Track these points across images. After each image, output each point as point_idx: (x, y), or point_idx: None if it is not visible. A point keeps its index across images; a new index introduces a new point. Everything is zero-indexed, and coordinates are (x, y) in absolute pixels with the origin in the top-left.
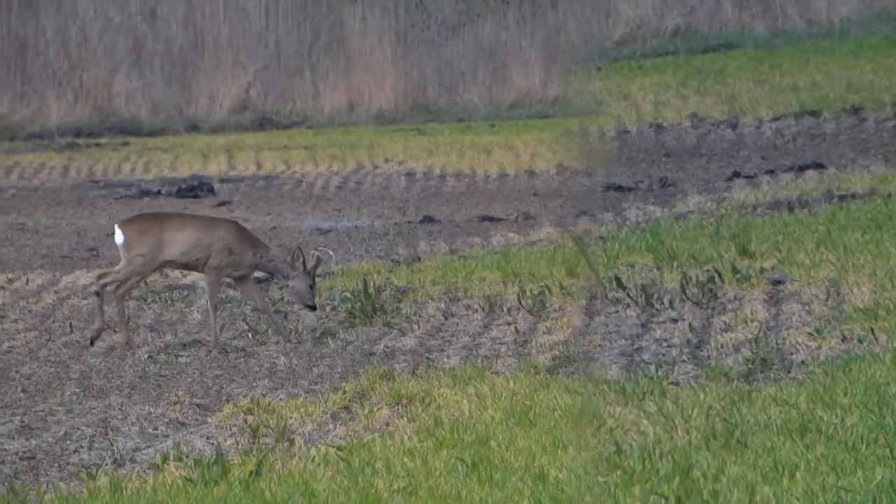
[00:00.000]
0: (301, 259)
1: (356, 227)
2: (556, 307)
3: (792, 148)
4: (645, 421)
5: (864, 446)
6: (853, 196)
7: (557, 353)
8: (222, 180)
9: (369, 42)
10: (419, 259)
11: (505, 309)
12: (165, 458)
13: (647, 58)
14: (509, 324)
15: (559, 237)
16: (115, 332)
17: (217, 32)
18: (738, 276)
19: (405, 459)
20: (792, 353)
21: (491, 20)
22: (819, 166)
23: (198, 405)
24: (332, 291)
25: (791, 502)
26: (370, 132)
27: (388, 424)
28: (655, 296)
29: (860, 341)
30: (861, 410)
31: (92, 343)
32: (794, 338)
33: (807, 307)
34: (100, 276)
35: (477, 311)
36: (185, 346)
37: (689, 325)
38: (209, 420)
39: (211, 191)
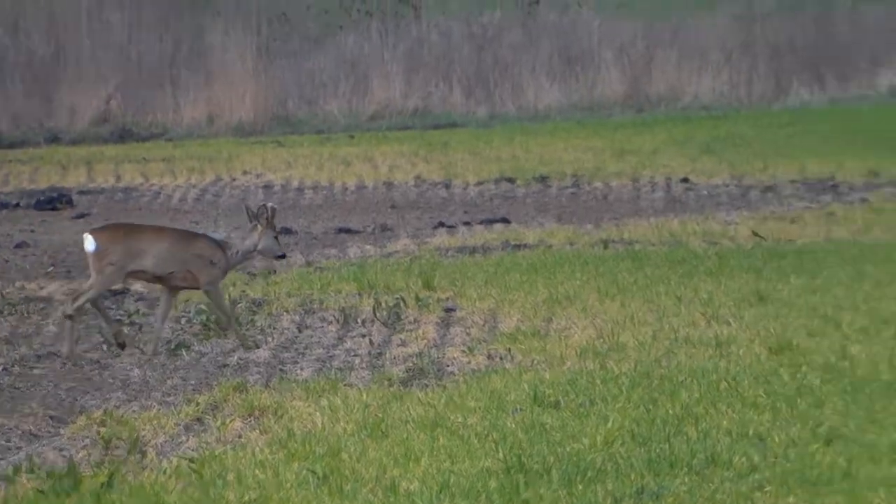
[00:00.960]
0: (264, 214)
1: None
2: (412, 319)
3: (489, 206)
4: (317, 413)
5: (477, 441)
6: (525, 246)
7: (411, 364)
8: (81, 192)
9: (230, 55)
10: (275, 271)
11: (360, 321)
12: (17, 470)
13: (391, 130)
14: (364, 336)
15: (416, 249)
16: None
17: (78, 45)
18: (420, 303)
19: (257, 471)
20: (447, 366)
21: (353, 33)
22: (505, 221)
23: (51, 417)
24: (188, 304)
25: (411, 481)
26: (229, 144)
27: (240, 436)
28: (352, 316)
29: (501, 358)
30: (483, 412)
31: (122, 347)
32: (451, 353)
33: (467, 330)
34: (75, 298)
35: (332, 323)
36: (39, 358)
37: (370, 340)
38: (62, 432)
39: (70, 203)
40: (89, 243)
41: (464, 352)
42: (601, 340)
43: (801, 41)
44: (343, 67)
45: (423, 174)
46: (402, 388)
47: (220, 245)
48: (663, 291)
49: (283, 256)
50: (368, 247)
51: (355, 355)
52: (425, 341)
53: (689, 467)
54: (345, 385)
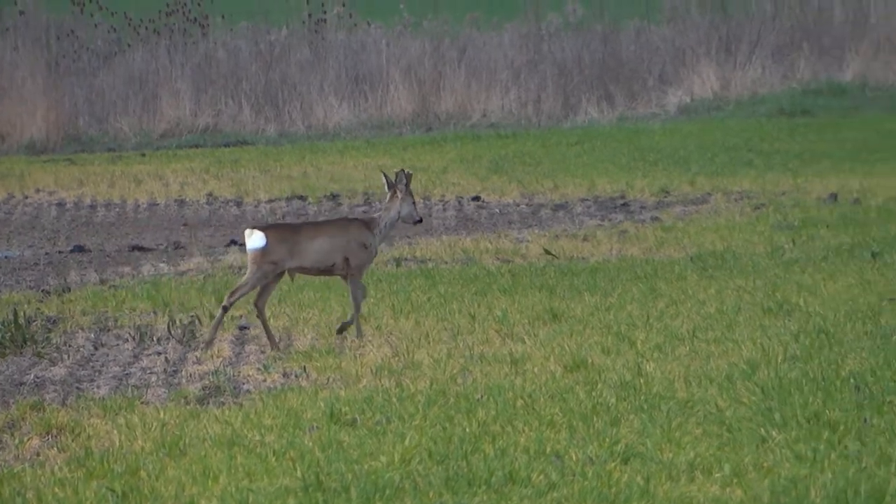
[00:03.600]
0: (402, 181)
1: (6, 257)
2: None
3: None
4: (115, 431)
5: (275, 459)
6: None
7: (207, 382)
8: None
9: (21, 72)
10: (69, 289)
11: (155, 339)
12: None
13: (182, 148)
14: (159, 354)
15: (209, 267)
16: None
17: None
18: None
19: (55, 489)
20: (243, 384)
21: (142, 50)
22: None
23: None
24: None
25: (210, 499)
26: (21, 162)
27: (38, 454)
28: (147, 334)
29: (296, 376)
30: (279, 430)
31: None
32: (247, 371)
33: (262, 348)
34: (231, 293)
35: (127, 340)
36: None
37: (166, 358)
38: None
39: None
40: (258, 239)
41: (259, 370)
42: (396, 358)
43: (590, 60)
44: (132, 85)
45: (215, 191)
46: (198, 406)
47: (369, 225)
48: (457, 309)
49: (420, 221)
50: (162, 264)
51: (151, 373)
52: (220, 359)
53: (488, 485)
54: (142, 403)
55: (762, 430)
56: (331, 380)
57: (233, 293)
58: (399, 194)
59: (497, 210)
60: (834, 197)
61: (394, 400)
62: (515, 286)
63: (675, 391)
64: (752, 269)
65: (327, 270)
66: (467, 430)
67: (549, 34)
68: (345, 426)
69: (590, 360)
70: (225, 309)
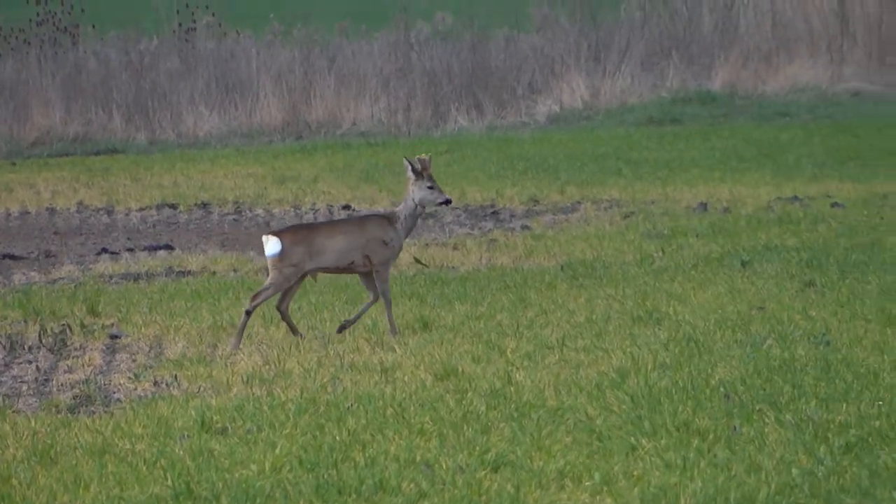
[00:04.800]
0: (412, 167)
1: None
2: (77, 346)
3: (152, 232)
4: None
5: (146, 467)
6: (189, 272)
7: (78, 391)
8: None
9: None
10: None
11: (26, 347)
12: None
13: (52, 157)
14: (30, 362)
15: (80, 275)
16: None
17: None
18: (85, 329)
19: None
20: (114, 392)
21: (12, 59)
22: (169, 248)
23: None
24: None
25: None
26: None
27: None
28: (18, 342)
29: (167, 385)
30: (150, 439)
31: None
32: (118, 380)
33: (133, 357)
34: (254, 297)
35: None
36: None
37: (37, 366)
38: None
39: None
40: (273, 246)
41: (130, 378)
42: (267, 367)
43: (459, 69)
44: (2, 95)
45: (86, 200)
46: (69, 414)
47: (390, 220)
48: (328, 318)
49: (446, 202)
50: (33, 273)
51: (22, 382)
52: (91, 368)
53: (358, 493)
54: (13, 412)
55: (632, 438)
56: (202, 388)
57: (255, 296)
58: (411, 180)
59: None
60: (703, 206)
61: (264, 408)
62: None
63: (545, 400)
64: (621, 278)
65: (348, 269)
66: (338, 438)
67: (418, 43)
68: (216, 435)
69: (460, 369)
70: (248, 313)
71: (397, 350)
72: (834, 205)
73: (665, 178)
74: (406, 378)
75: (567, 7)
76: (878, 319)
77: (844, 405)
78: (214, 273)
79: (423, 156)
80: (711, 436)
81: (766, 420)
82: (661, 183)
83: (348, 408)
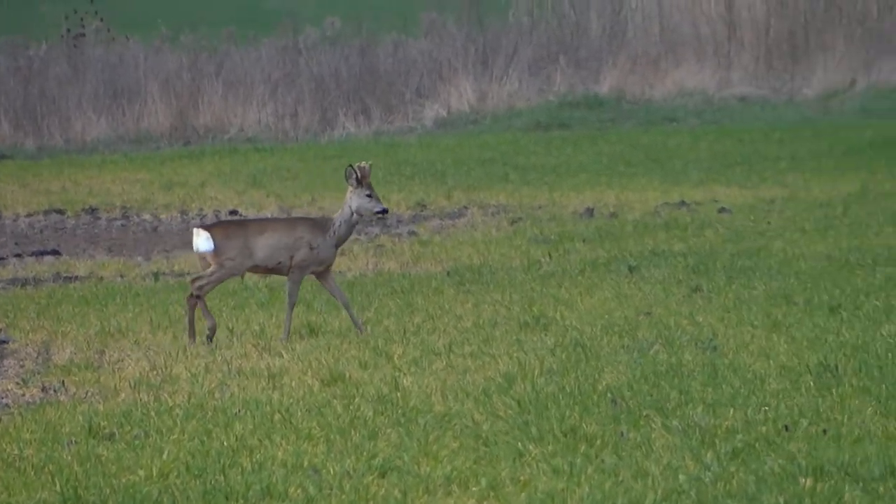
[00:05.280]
0: (354, 175)
1: None
2: None
3: (39, 238)
4: None
5: (34, 473)
6: (76, 278)
7: None
8: None
9: None
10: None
11: None
12: None
13: None
14: None
15: None
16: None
17: None
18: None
19: None
20: (1, 398)
21: None
22: (56, 253)
23: None
24: None
25: None
26: None
27: None
28: None
29: (55, 391)
30: (38, 444)
31: (209, 340)
32: (5, 386)
33: (21, 362)
34: (194, 280)
35: None
36: None
37: None
38: None
39: None
40: (205, 241)
41: (18, 384)
42: (154, 372)
43: (347, 74)
44: None
45: None
46: None
47: (321, 226)
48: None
49: (383, 212)
50: None
51: None
52: None
53: (245, 499)
54: None
55: (519, 443)
56: (89, 394)
57: (195, 279)
58: (350, 188)
59: None
60: (590, 211)
61: (152, 414)
62: (273, 300)
63: (432, 405)
64: (508, 284)
65: (276, 269)
66: (225, 444)
67: (306, 48)
68: (103, 440)
69: (347, 374)
70: (196, 297)
71: (284, 355)
72: (721, 210)
73: (552, 184)
74: (293, 383)
75: (455, 12)
76: (764, 325)
77: (731, 411)
78: (102, 278)
79: (364, 164)
80: (598, 441)
81: (653, 425)
82: (549, 188)
83: (236, 413)
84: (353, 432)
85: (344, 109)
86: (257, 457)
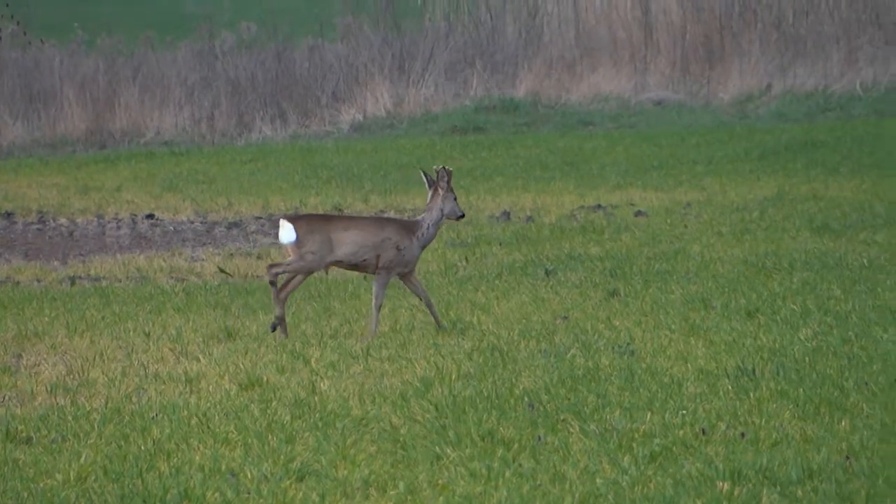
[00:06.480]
0: (444, 179)
1: None
2: None
3: None
4: None
5: None
6: None
7: None
8: None
9: None
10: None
11: None
12: None
13: None
14: None
15: None
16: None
17: None
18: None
19: None
20: None
21: None
22: None
23: None
24: None
25: None
26: None
27: None
28: None
29: None
30: None
31: (273, 329)
32: None
33: None
34: (270, 267)
35: None
36: None
37: None
38: None
39: None
40: (288, 233)
41: None
42: (71, 377)
43: (263, 78)
44: None
45: None
46: None
47: (409, 228)
48: (132, 328)
49: (463, 216)
50: None
51: None
52: None
53: (163, 503)
54: None
55: (437, 447)
56: (6, 398)
57: (273, 266)
58: (441, 192)
59: (171, 228)
60: (507, 214)
61: (69, 418)
62: (190, 305)
63: (349, 409)
64: (425, 288)
65: (361, 266)
66: (142, 448)
67: (222, 52)
68: (20, 444)
69: (265, 379)
70: (272, 284)
71: (202, 360)
72: (637, 213)
73: (468, 187)
74: (211, 388)
75: (371, 16)
76: (681, 329)
77: (649, 415)
78: (18, 283)
79: (449, 168)
80: (516, 445)
81: (571, 430)
82: (465, 191)
83: (153, 417)
84: (270, 436)
85: (260, 113)
86: (175, 461)
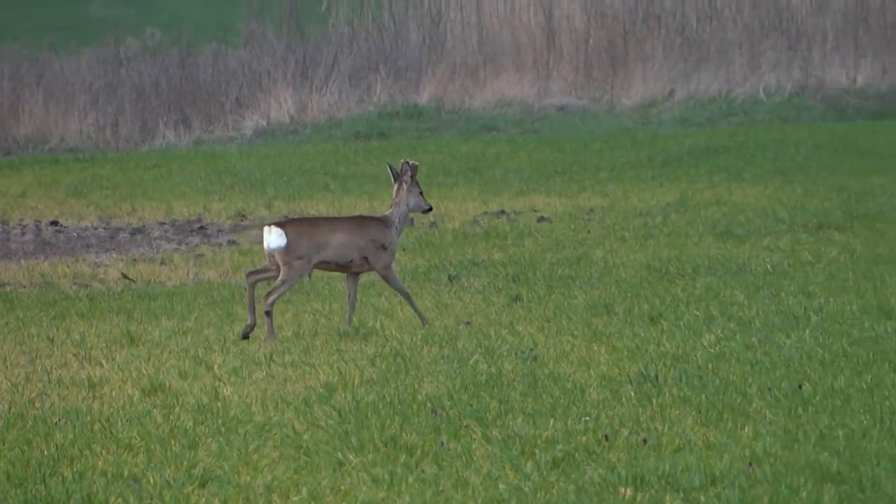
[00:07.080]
0: (408, 173)
1: None
2: None
3: None
4: None
5: None
6: None
7: None
8: None
9: None
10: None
11: None
12: None
13: None
14: None
15: None
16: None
17: None
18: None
19: None
20: None
21: None
22: None
23: None
24: None
25: None
26: None
27: None
28: None
29: None
30: None
31: (245, 337)
32: None
33: None
34: (267, 295)
35: None
36: None
37: None
38: None
39: None
40: (277, 238)
41: None
42: None
43: (167, 84)
44: None
45: None
46: None
47: (385, 223)
48: (35, 333)
49: (430, 209)
50: None
51: None
52: None
53: None
54: None
55: (339, 453)
56: None
57: (269, 294)
58: (405, 186)
59: (75, 234)
60: (410, 220)
61: None
62: (93, 310)
63: (252, 415)
64: (328, 293)
65: (346, 267)
66: (45, 453)
67: (127, 59)
68: None
69: (167, 384)
70: (268, 314)
71: (105, 365)
72: (540, 219)
73: (372, 193)
74: (113, 393)
75: (275, 22)
76: (584, 335)
77: (551, 421)
78: None
79: (413, 162)
80: (419, 451)
81: (473, 435)
82: (369, 197)
83: (56, 423)
84: (173, 442)
85: (164, 119)
86: (78, 466)
